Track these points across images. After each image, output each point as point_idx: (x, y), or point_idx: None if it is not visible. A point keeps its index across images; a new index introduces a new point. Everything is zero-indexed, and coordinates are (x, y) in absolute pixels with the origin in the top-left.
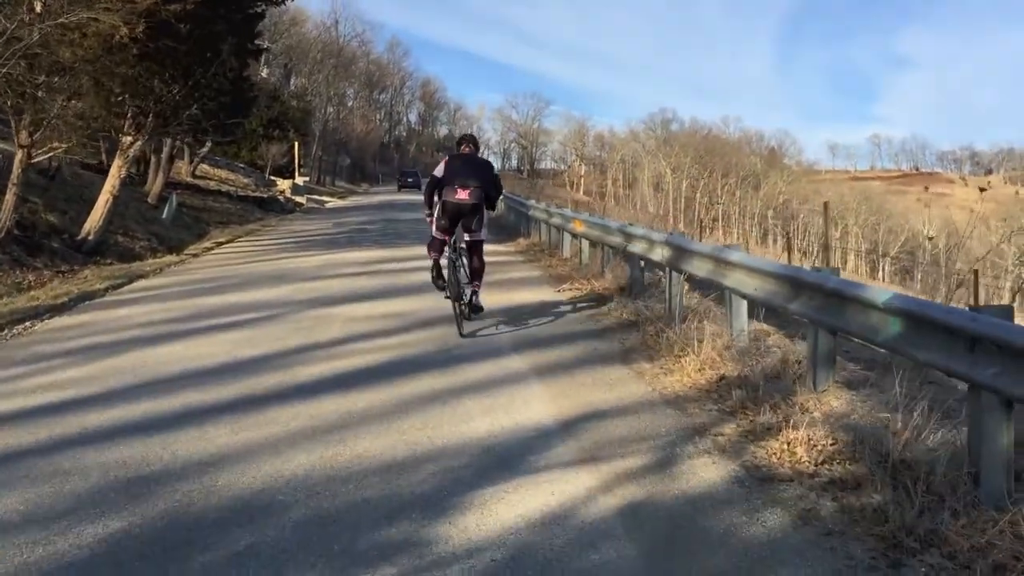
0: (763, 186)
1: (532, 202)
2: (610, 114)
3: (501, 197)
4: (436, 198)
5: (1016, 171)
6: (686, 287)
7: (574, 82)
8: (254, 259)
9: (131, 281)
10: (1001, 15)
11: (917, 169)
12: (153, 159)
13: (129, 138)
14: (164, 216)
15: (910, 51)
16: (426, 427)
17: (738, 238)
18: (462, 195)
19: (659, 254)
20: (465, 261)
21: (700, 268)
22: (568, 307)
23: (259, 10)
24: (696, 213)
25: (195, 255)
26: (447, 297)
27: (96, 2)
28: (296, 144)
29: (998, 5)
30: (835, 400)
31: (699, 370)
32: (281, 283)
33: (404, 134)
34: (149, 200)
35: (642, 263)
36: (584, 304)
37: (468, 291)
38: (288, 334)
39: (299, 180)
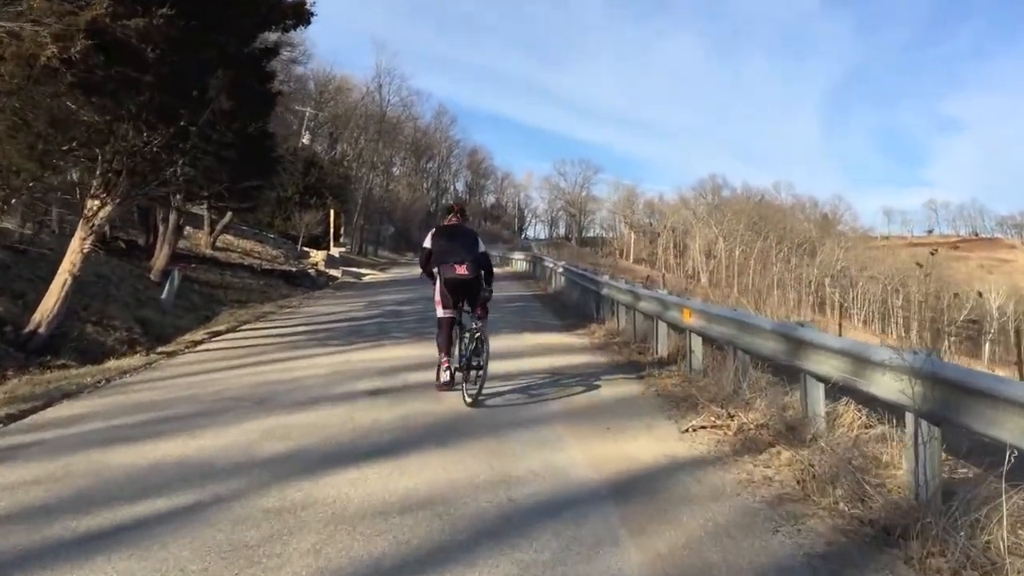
0: (819, 253)
1: (606, 279)
2: (660, 181)
3: (561, 271)
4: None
5: None
6: (857, 413)
7: (623, 149)
8: (245, 361)
9: (46, 406)
10: None
11: (976, 235)
12: (161, 228)
13: (96, 202)
14: (164, 296)
15: (958, 114)
16: None
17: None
18: (461, 271)
19: (892, 388)
20: (476, 337)
21: (1014, 430)
22: (722, 472)
23: (267, 43)
24: (751, 280)
25: (172, 353)
26: (456, 368)
27: (18, 12)
28: (333, 212)
29: None
30: None
31: None
32: (257, 414)
33: (451, 202)
34: (152, 276)
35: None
36: (745, 464)
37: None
38: None
39: (335, 251)
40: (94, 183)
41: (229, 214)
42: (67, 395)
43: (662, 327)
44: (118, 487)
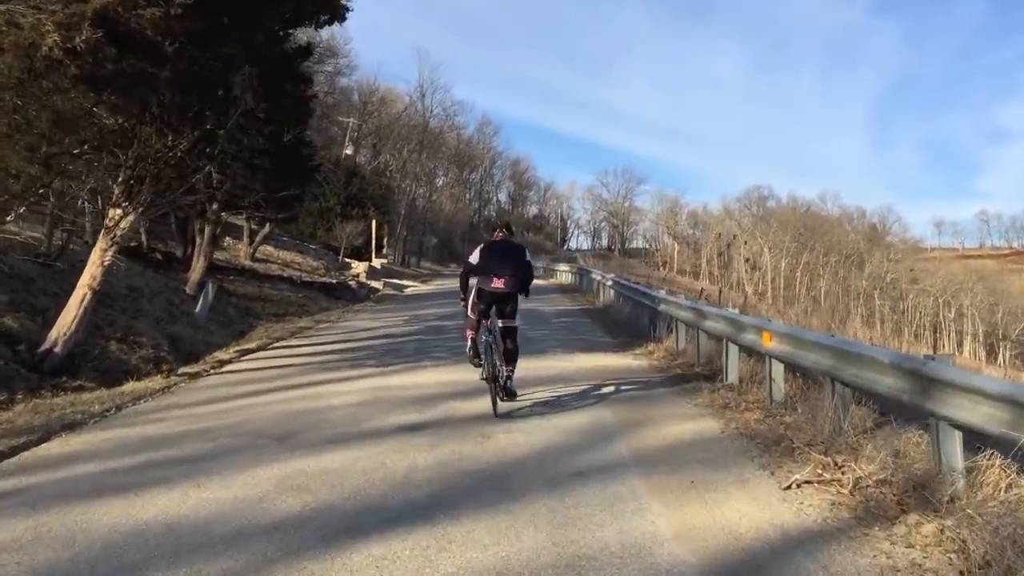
0: (867, 265)
1: (662, 294)
2: (704, 191)
3: (610, 284)
4: (470, 283)
5: None
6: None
7: (666, 160)
8: (272, 385)
9: (41, 441)
10: None
11: None
12: (198, 240)
13: (118, 211)
14: (197, 310)
15: (1011, 124)
16: None
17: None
18: (498, 284)
19: None
20: (500, 344)
21: None
22: (852, 553)
23: (300, 43)
24: (797, 292)
25: (196, 375)
26: (483, 378)
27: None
28: (374, 223)
29: None
30: None
31: None
32: (275, 455)
33: (494, 214)
34: (187, 289)
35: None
36: (879, 541)
37: (503, 373)
38: None
39: (377, 262)
40: (115, 190)
41: (268, 225)
42: (68, 426)
43: (733, 350)
44: (88, 564)
